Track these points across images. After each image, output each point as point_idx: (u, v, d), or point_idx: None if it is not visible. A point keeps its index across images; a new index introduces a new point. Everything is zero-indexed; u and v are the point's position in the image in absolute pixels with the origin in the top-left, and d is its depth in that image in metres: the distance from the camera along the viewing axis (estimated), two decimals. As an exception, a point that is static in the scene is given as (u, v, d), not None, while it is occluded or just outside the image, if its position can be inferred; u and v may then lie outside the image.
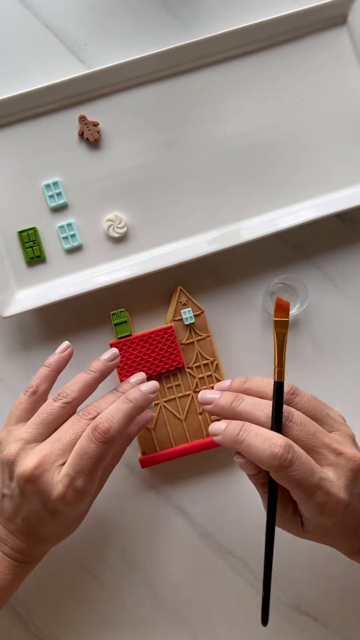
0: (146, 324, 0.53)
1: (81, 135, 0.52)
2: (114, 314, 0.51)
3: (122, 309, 0.51)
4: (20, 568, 0.43)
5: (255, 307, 0.53)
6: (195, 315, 0.51)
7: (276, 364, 0.39)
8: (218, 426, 0.39)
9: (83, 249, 0.52)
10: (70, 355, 0.46)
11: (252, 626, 0.51)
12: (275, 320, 0.39)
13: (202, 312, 0.51)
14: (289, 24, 0.51)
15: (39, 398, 0.45)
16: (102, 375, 0.45)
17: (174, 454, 0.50)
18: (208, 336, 0.51)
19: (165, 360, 0.50)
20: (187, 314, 0.51)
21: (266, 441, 0.37)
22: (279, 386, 0.39)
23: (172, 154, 0.52)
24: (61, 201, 0.51)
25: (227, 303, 0.53)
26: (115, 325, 0.51)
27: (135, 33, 0.53)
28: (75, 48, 0.53)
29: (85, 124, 0.51)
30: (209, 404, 0.41)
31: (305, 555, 0.51)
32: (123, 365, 0.50)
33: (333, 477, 0.37)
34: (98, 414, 0.42)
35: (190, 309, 0.51)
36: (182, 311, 0.51)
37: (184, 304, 0.51)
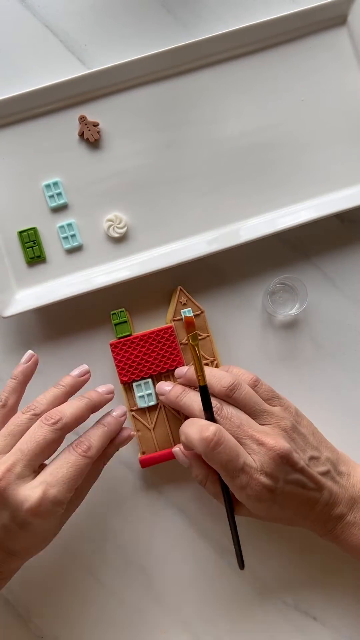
0: (146, 324, 0.53)
1: (81, 135, 0.52)
2: (114, 314, 0.51)
3: (122, 309, 0.51)
4: None
5: (255, 307, 0.53)
6: (195, 315, 0.51)
7: (198, 372, 0.45)
8: (164, 386, 0.49)
9: (83, 249, 0.52)
10: (35, 365, 0.47)
11: (252, 626, 0.51)
12: (189, 336, 0.46)
13: (202, 312, 0.51)
14: (289, 24, 0.51)
15: (8, 411, 0.45)
16: (72, 390, 0.46)
17: (174, 453, 0.50)
18: (208, 336, 0.51)
19: (165, 360, 0.50)
20: (187, 314, 0.51)
21: (199, 427, 0.42)
22: (204, 389, 0.44)
23: (172, 154, 0.52)
24: (61, 201, 0.51)
25: (227, 303, 0.53)
26: (115, 325, 0.51)
27: (135, 33, 0.53)
28: (75, 48, 0.53)
29: (86, 124, 0.51)
30: (162, 394, 0.48)
31: (305, 555, 0.51)
32: (123, 365, 0.50)
33: (255, 464, 0.42)
34: (61, 418, 0.42)
35: (190, 309, 0.51)
36: (182, 311, 0.51)
37: (184, 304, 0.51)
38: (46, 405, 0.44)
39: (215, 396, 0.45)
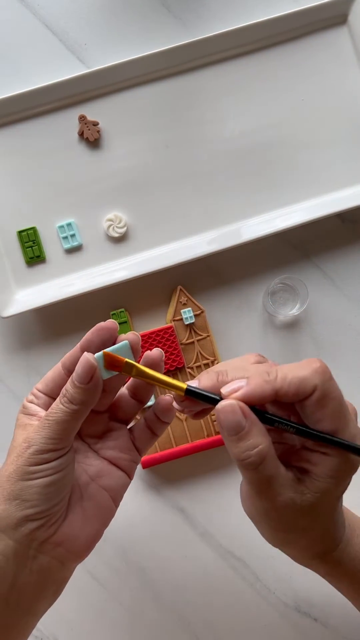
0: (146, 324, 0.53)
1: (81, 134, 0.51)
2: (114, 314, 0.51)
3: (122, 309, 0.51)
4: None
5: (255, 307, 0.53)
6: (195, 315, 0.51)
7: (171, 384, 0.33)
8: (236, 382, 0.32)
9: (83, 248, 0.52)
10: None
11: (252, 626, 0.51)
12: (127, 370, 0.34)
13: (202, 312, 0.51)
14: (289, 24, 0.51)
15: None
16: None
17: (175, 454, 0.50)
18: (208, 336, 0.51)
19: (166, 360, 0.50)
20: (187, 314, 0.51)
21: (301, 364, 0.32)
22: (191, 393, 0.33)
23: (171, 154, 0.52)
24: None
25: (227, 303, 0.53)
26: (115, 325, 0.51)
27: (135, 33, 0.53)
28: (75, 48, 0.53)
29: (85, 124, 0.51)
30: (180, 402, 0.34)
31: (306, 555, 0.51)
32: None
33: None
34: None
35: (190, 308, 0.51)
36: (182, 311, 0.51)
37: (184, 304, 0.51)
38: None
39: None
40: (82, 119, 0.51)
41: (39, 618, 0.36)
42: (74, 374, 0.33)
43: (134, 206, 0.52)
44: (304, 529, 0.34)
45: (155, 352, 0.35)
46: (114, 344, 0.35)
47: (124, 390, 0.39)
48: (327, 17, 0.51)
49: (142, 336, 0.50)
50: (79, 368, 0.33)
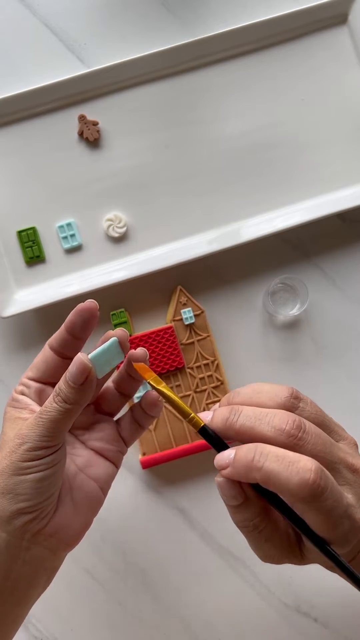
0: (146, 324, 0.53)
1: (81, 134, 0.51)
2: (114, 314, 0.51)
3: (122, 309, 0.51)
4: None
5: (255, 307, 0.53)
6: (195, 315, 0.51)
7: (185, 416, 0.33)
8: (226, 455, 0.31)
9: (83, 248, 0.52)
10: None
11: (252, 627, 0.51)
12: (151, 381, 0.35)
13: (202, 312, 0.51)
14: (289, 24, 0.51)
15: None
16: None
17: (175, 454, 0.50)
18: (208, 336, 0.51)
19: (166, 360, 0.50)
20: (187, 314, 0.51)
21: (291, 465, 0.29)
22: (204, 430, 0.33)
23: (172, 154, 0.52)
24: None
25: (227, 303, 0.53)
26: (115, 325, 0.51)
27: (135, 32, 0.53)
28: (75, 47, 0.53)
29: (85, 124, 0.51)
30: (223, 468, 0.32)
31: (306, 555, 0.51)
32: (123, 365, 0.50)
33: (354, 501, 0.31)
34: None
35: (190, 308, 0.51)
36: (182, 311, 0.51)
37: (184, 304, 0.51)
38: None
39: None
40: (81, 118, 0.51)
41: (30, 607, 0.38)
42: (67, 373, 0.34)
43: (134, 206, 0.52)
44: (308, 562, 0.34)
45: (140, 351, 0.36)
46: (93, 326, 0.36)
47: (109, 383, 0.40)
48: (327, 17, 0.51)
49: (142, 336, 0.50)
50: (72, 368, 0.34)
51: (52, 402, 0.34)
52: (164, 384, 0.35)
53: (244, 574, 0.52)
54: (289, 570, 0.51)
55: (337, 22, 0.52)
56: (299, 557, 0.33)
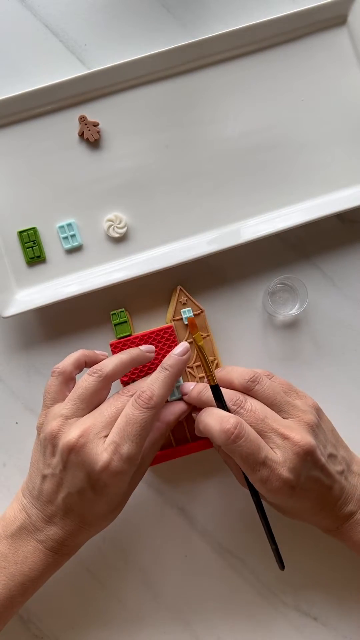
0: (146, 324, 0.53)
1: (81, 135, 0.52)
2: (114, 314, 0.51)
3: (122, 309, 0.51)
4: (52, 558, 0.43)
5: (255, 307, 0.53)
6: (195, 315, 0.51)
7: (207, 372, 0.44)
8: (188, 386, 0.48)
9: (83, 249, 0.52)
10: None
11: (252, 626, 0.51)
12: (194, 336, 0.46)
13: (201, 312, 0.51)
14: (289, 24, 0.51)
15: (67, 378, 0.45)
16: (137, 357, 0.46)
17: (175, 453, 0.50)
18: (208, 335, 0.51)
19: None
20: (187, 314, 0.51)
21: (219, 418, 0.41)
22: (215, 389, 0.44)
23: (172, 154, 0.52)
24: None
25: (227, 303, 0.53)
26: (115, 325, 0.51)
27: (135, 33, 0.53)
28: (75, 48, 0.53)
29: (85, 124, 0.51)
30: (185, 394, 0.48)
31: (305, 555, 0.51)
32: (123, 365, 0.50)
33: (279, 458, 0.41)
34: (151, 397, 0.42)
35: (190, 308, 0.51)
36: (182, 311, 0.51)
37: (184, 304, 0.51)
38: (112, 367, 0.44)
39: (235, 390, 0.44)
40: (82, 119, 0.51)
41: None
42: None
43: (134, 206, 0.52)
44: (298, 519, 0.45)
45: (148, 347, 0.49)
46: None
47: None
48: (326, 17, 0.51)
49: (142, 336, 0.50)
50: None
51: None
52: (202, 342, 0.45)
53: (244, 573, 0.52)
54: (289, 569, 0.51)
55: (336, 23, 0.52)
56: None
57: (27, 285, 0.52)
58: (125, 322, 0.51)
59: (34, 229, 0.52)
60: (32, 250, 0.51)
